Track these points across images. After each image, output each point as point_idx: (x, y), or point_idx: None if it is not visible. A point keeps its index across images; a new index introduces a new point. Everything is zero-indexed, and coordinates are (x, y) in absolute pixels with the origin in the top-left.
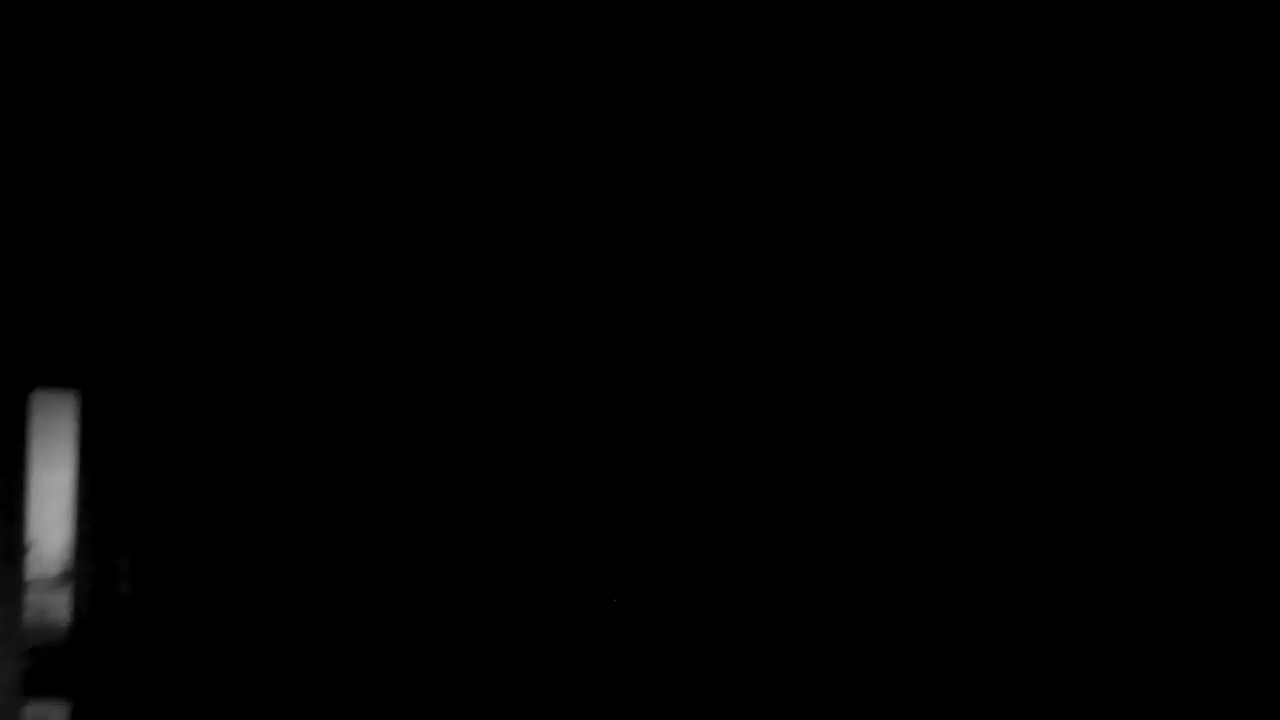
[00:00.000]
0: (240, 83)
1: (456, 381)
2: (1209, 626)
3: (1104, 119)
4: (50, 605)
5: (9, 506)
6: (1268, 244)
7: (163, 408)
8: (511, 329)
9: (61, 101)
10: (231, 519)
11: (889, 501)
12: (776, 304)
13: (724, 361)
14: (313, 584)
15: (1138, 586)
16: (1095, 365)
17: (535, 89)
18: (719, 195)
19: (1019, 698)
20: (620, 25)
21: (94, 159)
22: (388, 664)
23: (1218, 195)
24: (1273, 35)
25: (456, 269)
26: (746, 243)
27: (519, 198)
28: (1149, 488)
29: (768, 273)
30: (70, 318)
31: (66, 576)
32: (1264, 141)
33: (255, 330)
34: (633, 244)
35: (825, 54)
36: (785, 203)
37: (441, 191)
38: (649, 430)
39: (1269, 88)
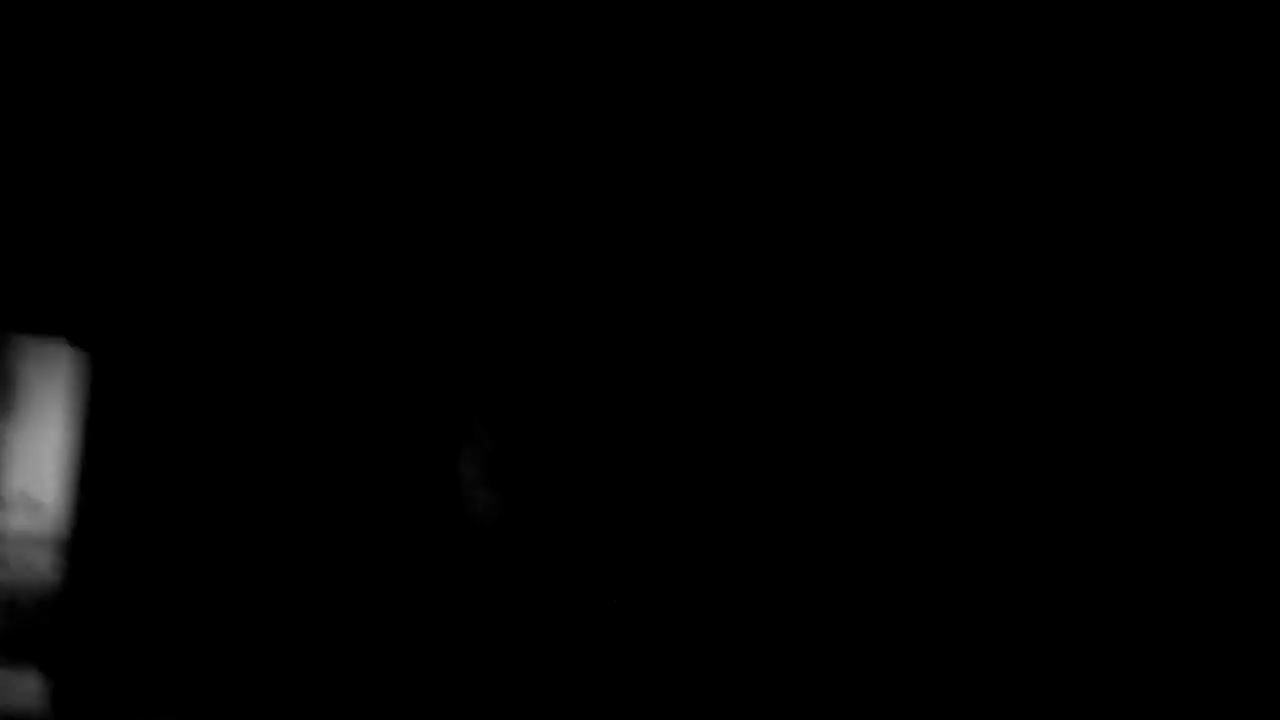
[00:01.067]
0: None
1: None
2: (1209, 626)
3: (1104, 119)
4: (39, 562)
5: None
6: (1267, 244)
7: (170, 371)
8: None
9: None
10: (237, 488)
11: (889, 501)
12: (775, 304)
13: (723, 362)
14: (316, 564)
15: (1137, 586)
16: (1096, 366)
17: (537, 90)
18: (715, 196)
19: (1019, 698)
20: (619, 25)
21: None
22: (389, 656)
23: (1217, 195)
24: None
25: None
26: (745, 243)
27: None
28: (1148, 488)
29: (767, 273)
30: (74, 272)
31: (59, 535)
32: (1264, 142)
33: (277, 305)
34: (637, 245)
35: (824, 55)
36: (783, 203)
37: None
38: (650, 431)
39: (1269, 88)
